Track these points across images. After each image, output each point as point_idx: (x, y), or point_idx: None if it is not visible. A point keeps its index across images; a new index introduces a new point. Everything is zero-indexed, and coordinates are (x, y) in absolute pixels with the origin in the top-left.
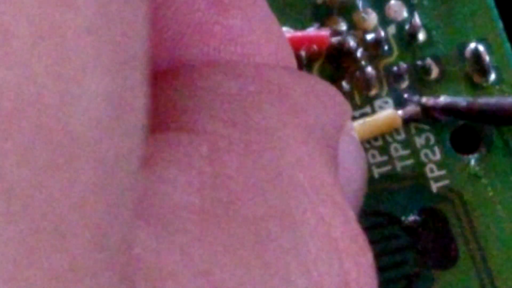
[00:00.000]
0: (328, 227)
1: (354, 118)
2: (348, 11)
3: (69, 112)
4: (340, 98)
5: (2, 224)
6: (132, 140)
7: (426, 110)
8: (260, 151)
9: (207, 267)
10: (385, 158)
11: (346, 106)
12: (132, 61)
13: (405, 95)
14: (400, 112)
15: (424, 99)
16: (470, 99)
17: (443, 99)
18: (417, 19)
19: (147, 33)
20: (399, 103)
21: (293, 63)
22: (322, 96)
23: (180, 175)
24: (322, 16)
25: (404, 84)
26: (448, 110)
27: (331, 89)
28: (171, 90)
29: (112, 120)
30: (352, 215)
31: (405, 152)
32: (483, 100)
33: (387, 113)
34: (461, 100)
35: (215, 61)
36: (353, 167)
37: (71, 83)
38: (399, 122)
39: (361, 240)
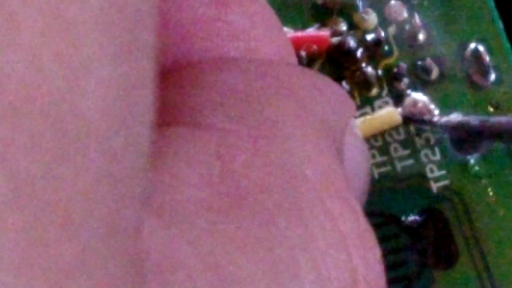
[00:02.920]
0: (337, 223)
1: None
2: (348, 12)
3: (77, 101)
4: (344, 94)
5: (11, 213)
6: (141, 129)
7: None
8: (269, 147)
9: (216, 260)
10: (385, 158)
11: (350, 102)
12: (140, 51)
13: (410, 94)
14: (400, 109)
15: (436, 118)
16: (482, 117)
17: (454, 118)
18: (417, 20)
19: (155, 23)
20: (399, 103)
21: (294, 59)
22: (326, 92)
23: (189, 170)
24: (322, 17)
25: (404, 85)
26: (459, 128)
27: (335, 86)
28: (178, 86)
29: (120, 109)
30: (359, 211)
31: (405, 152)
32: (495, 119)
33: (387, 111)
34: (474, 119)
35: (221, 58)
36: (357, 163)
37: (79, 72)
38: (399, 120)
39: (369, 235)
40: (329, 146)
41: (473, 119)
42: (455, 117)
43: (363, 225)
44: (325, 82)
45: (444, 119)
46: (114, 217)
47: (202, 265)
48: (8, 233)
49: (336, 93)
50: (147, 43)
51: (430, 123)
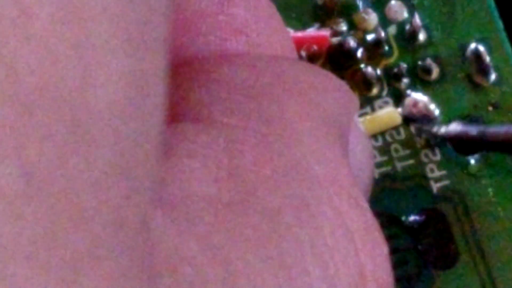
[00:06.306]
0: (344, 219)
1: None
2: (348, 12)
3: (89, 93)
4: (348, 91)
5: (21, 204)
6: (151, 122)
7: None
8: (277, 143)
9: (225, 256)
10: (385, 158)
11: (354, 99)
12: (152, 44)
13: (410, 94)
14: (400, 109)
15: (435, 128)
16: (481, 127)
17: (453, 128)
18: (417, 20)
19: (169, 18)
20: (399, 103)
21: (295, 54)
22: (331, 88)
23: (197, 166)
24: (322, 17)
25: (404, 85)
26: (458, 139)
27: (339, 82)
28: (185, 82)
29: (132, 102)
30: (366, 207)
31: (405, 152)
32: (494, 129)
33: (387, 111)
34: (472, 129)
35: (227, 53)
36: (362, 159)
37: (91, 63)
38: (398, 120)
39: (376, 232)
40: (336, 142)
41: (472, 129)
42: (454, 127)
43: (370, 222)
44: (329, 78)
45: (443, 129)
46: (124, 209)
47: (211, 260)
48: (22, 224)
49: (340, 89)
50: (160, 36)
51: (430, 134)
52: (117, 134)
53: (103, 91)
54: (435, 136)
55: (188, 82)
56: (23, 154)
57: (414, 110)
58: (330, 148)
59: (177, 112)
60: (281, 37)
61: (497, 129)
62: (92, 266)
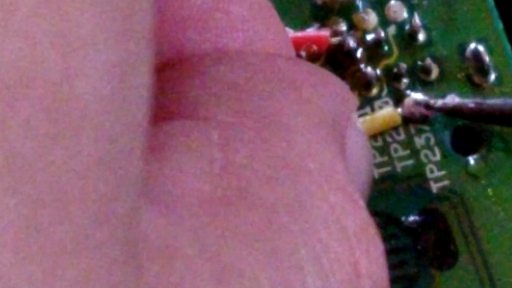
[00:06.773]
0: (339, 216)
1: None
2: (348, 12)
3: (71, 84)
4: (345, 89)
5: (4, 193)
6: (136, 113)
7: (429, 109)
8: (271, 139)
9: (217, 250)
10: (385, 158)
11: (352, 97)
12: (136, 35)
13: (409, 94)
14: (400, 110)
15: (432, 101)
16: (478, 100)
17: (450, 100)
18: (417, 20)
19: (152, 7)
20: (399, 103)
21: (292, 51)
22: (328, 86)
23: (191, 162)
24: (322, 17)
25: (404, 85)
26: (455, 111)
27: (337, 80)
28: (180, 79)
29: (115, 93)
30: (362, 205)
31: (405, 152)
32: (491, 101)
33: (387, 111)
34: (469, 102)
35: (222, 50)
36: (360, 157)
37: (73, 55)
38: (398, 120)
39: (371, 229)
40: (332, 140)
41: (469, 102)
42: (451, 99)
43: (365, 219)
44: (326, 76)
45: (440, 102)
46: (109, 200)
47: (202, 255)
48: (4, 214)
49: (338, 87)
50: (144, 27)
51: (427, 106)
52: (102, 126)
53: (87, 83)
54: (432, 109)
55: (184, 79)
56: (6, 144)
57: (414, 110)
58: (325, 145)
59: (172, 109)
60: (278, 35)
61: (495, 101)
62: (76, 256)
